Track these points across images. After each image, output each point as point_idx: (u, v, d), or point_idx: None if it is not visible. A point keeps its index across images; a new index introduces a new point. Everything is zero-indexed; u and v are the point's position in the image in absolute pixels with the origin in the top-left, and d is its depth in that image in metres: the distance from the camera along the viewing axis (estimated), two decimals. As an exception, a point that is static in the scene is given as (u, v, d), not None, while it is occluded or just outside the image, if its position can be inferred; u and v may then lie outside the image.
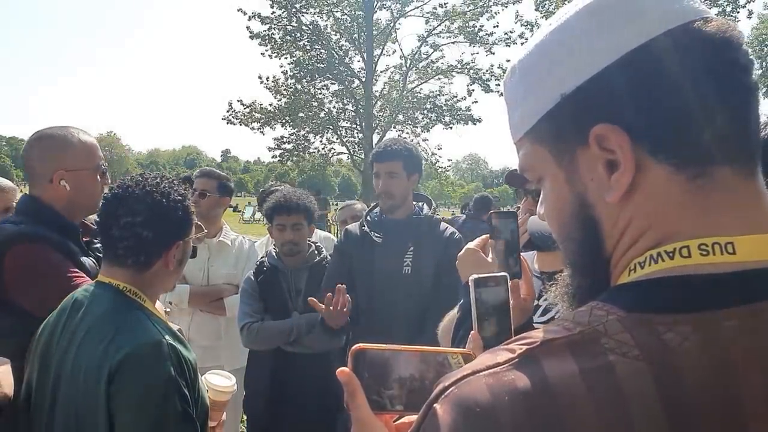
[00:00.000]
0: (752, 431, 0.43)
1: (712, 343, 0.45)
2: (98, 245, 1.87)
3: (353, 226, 2.64)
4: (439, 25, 18.51)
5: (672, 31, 0.51)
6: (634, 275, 0.52)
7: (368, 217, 2.60)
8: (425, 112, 19.22)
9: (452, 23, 18.47)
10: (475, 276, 0.92)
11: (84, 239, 1.89)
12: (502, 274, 0.93)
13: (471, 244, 1.40)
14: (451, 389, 0.48)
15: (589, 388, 0.44)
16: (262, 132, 18.75)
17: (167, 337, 1.28)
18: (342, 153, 20.31)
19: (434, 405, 0.49)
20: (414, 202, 2.59)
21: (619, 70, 0.52)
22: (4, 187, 2.63)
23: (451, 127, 18.99)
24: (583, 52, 0.54)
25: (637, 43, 0.52)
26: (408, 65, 19.04)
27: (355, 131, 19.58)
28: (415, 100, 19.36)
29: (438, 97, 19.22)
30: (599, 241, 0.56)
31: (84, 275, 1.69)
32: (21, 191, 2.60)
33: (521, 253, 1.70)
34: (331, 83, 19.21)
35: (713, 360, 0.44)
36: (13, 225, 1.73)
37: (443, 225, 2.60)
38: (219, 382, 1.62)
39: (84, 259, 1.79)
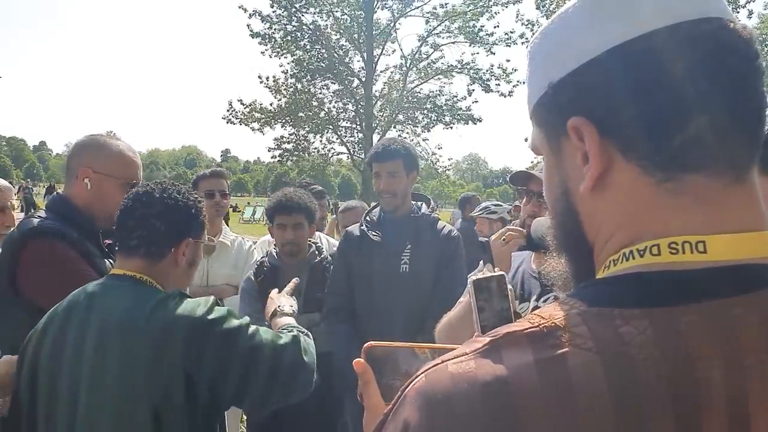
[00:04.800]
0: (706, 424, 0.44)
1: (668, 337, 0.45)
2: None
3: (353, 227, 2.66)
4: (439, 25, 18.50)
5: (658, 30, 0.50)
6: (607, 272, 0.53)
7: (367, 217, 2.62)
8: (425, 112, 19.21)
9: (452, 23, 18.45)
10: (474, 277, 0.92)
11: (106, 242, 1.91)
12: (501, 273, 0.94)
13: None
14: (420, 376, 0.50)
15: (540, 377, 0.45)
16: (262, 132, 18.73)
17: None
18: (342, 153, 20.32)
19: (405, 391, 0.51)
20: (413, 202, 2.60)
21: (600, 66, 0.51)
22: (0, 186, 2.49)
23: (451, 127, 18.99)
24: (572, 44, 0.54)
25: (621, 40, 0.50)
26: (408, 65, 19.02)
27: (355, 131, 19.56)
28: (415, 100, 19.35)
29: (438, 97, 19.20)
30: (580, 227, 0.57)
31: (96, 274, 1.70)
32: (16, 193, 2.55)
33: (518, 252, 1.70)
34: (331, 83, 19.21)
35: (667, 353, 0.44)
36: (38, 220, 1.79)
37: (441, 223, 2.60)
38: None
39: (103, 261, 1.81)
